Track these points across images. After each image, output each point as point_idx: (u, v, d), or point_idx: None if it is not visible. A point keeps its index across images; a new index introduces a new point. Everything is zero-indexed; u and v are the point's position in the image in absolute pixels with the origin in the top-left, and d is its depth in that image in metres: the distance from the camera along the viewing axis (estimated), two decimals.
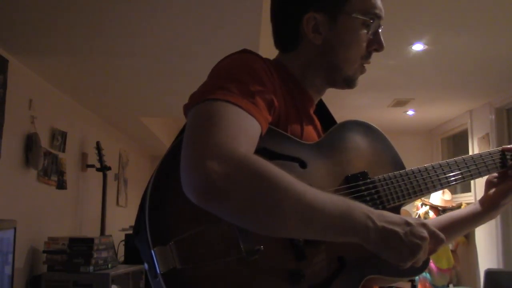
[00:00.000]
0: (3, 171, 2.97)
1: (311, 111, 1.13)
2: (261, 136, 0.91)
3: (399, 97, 4.79)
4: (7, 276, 2.64)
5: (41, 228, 3.44)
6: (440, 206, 5.28)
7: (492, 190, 1.27)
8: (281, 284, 0.92)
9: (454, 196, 5.66)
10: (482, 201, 1.28)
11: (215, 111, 0.86)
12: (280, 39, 1.13)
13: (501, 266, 4.66)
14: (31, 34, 2.77)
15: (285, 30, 1.11)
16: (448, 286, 5.41)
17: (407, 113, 5.38)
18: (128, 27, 2.71)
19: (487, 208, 1.26)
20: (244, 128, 0.86)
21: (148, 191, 0.90)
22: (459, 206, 5.29)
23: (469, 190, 5.38)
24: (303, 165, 1.00)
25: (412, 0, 2.80)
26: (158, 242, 0.85)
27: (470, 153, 5.31)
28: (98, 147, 4.26)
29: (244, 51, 1.03)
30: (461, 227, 1.28)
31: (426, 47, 3.45)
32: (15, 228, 2.71)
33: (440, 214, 4.98)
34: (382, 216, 0.88)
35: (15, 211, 3.03)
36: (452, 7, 2.90)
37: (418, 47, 3.44)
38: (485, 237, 5.00)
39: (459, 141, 5.97)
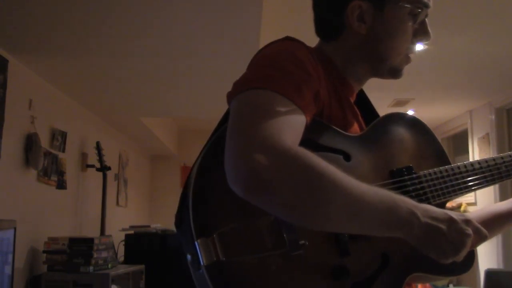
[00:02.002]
0: (3, 171, 2.97)
1: (352, 101, 1.10)
2: (305, 127, 0.89)
3: (399, 97, 4.80)
4: (7, 276, 2.64)
5: (41, 228, 3.44)
6: None
7: None
8: (325, 279, 0.90)
9: None
10: None
11: (262, 101, 0.84)
12: (322, 27, 1.10)
13: (501, 266, 4.65)
14: (31, 34, 2.77)
15: (328, 18, 1.08)
16: (448, 286, 5.41)
17: (407, 113, 5.38)
18: (128, 28, 2.71)
19: None
20: (291, 120, 0.84)
21: (191, 181, 0.88)
22: (459, 206, 5.29)
23: None
24: (347, 158, 0.98)
25: None
26: (202, 234, 0.84)
27: (470, 153, 5.31)
28: (98, 147, 4.25)
29: (288, 39, 1.00)
30: (503, 223, 1.24)
31: (426, 47, 3.45)
32: (15, 228, 2.71)
33: None
34: (426, 212, 0.86)
35: (15, 211, 3.03)
36: (451, 7, 2.90)
37: (418, 47, 3.42)
38: None
39: (459, 141, 5.97)
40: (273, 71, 0.89)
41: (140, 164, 6.36)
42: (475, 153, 5.19)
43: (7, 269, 2.64)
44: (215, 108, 4.25)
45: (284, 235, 0.87)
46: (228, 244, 0.84)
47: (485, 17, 3.02)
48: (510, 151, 1.27)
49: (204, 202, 0.87)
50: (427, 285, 5.24)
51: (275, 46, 0.97)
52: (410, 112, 5.40)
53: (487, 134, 4.96)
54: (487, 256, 4.95)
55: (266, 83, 0.86)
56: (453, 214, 0.89)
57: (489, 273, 3.73)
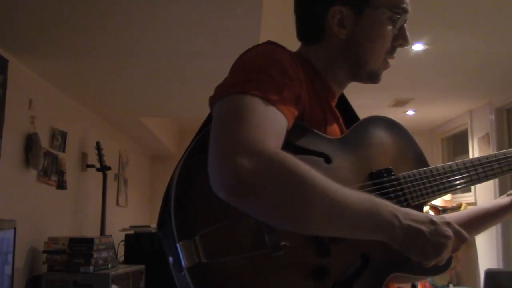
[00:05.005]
0: (3, 171, 2.97)
1: (333, 105, 1.11)
2: (286, 131, 0.90)
3: (399, 97, 4.79)
4: (7, 276, 2.64)
5: (41, 228, 3.44)
6: (440, 206, 5.28)
7: None
8: (306, 280, 0.91)
9: (454, 196, 5.66)
10: None
11: (244, 106, 0.85)
12: (303, 31, 1.11)
13: (501, 266, 4.66)
14: (31, 34, 2.77)
15: (309, 22, 1.10)
16: (448, 286, 5.41)
17: (407, 113, 5.38)
18: (128, 27, 2.71)
19: None
20: (273, 124, 0.86)
21: (173, 184, 0.89)
22: (459, 206, 5.29)
23: (469, 190, 5.37)
24: (327, 160, 0.99)
25: (412, 0, 2.80)
26: (184, 236, 0.85)
27: (470, 153, 5.31)
28: (98, 147, 4.25)
29: (269, 43, 1.01)
30: (486, 221, 1.27)
31: (426, 47, 3.45)
32: (15, 228, 2.71)
33: (440, 214, 4.97)
34: (407, 214, 0.88)
35: (15, 211, 3.03)
36: (452, 7, 2.90)
37: (418, 47, 3.44)
38: (485, 237, 4.99)
39: (459, 141, 5.97)
40: (254, 75, 0.90)
41: (140, 164, 6.36)
42: (475, 153, 5.19)
43: (7, 269, 2.64)
44: None
45: (265, 236, 0.88)
46: (209, 246, 0.85)
47: (485, 17, 3.01)
48: None
49: (186, 205, 0.88)
50: (427, 284, 5.24)
51: (256, 50, 0.98)
52: (410, 112, 5.40)
53: (487, 134, 4.96)
54: (487, 256, 4.96)
55: (247, 88, 0.87)
56: (434, 217, 0.91)
57: (489, 273, 3.73)
